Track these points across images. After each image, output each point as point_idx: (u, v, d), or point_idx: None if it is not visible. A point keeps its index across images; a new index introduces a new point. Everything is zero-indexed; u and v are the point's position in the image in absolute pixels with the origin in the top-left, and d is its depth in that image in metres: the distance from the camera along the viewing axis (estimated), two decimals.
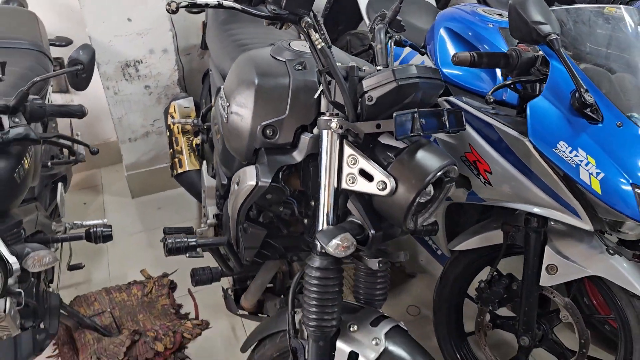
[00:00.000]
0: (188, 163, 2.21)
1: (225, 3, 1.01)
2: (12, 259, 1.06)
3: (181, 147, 2.23)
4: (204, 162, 1.98)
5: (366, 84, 1.08)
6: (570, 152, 1.25)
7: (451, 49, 1.75)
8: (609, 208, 1.25)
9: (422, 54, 1.77)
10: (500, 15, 1.76)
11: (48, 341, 1.65)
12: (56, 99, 2.69)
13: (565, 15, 1.34)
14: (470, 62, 1.34)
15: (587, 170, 1.24)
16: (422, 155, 1.09)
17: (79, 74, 1.31)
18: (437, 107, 1.12)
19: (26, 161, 1.33)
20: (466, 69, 1.69)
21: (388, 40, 1.35)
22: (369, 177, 1.09)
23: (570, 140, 1.25)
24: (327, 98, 1.14)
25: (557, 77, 1.29)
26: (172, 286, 2.25)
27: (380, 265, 1.16)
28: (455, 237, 1.76)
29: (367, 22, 2.25)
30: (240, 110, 1.32)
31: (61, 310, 1.87)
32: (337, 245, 1.06)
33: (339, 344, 1.20)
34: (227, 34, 1.99)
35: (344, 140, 1.13)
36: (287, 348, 1.31)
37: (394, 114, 1.02)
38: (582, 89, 1.21)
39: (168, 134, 2.30)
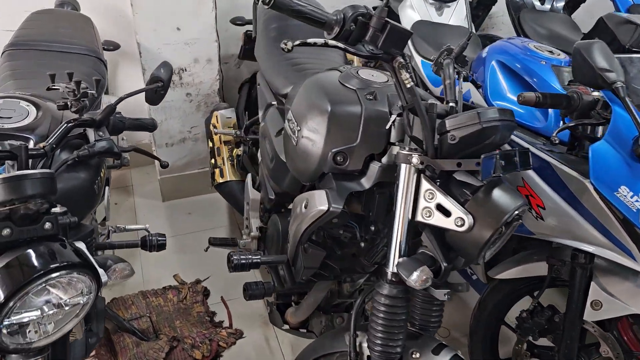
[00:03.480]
0: (229, 173, 2.25)
1: (329, 42, 1.06)
2: (101, 271, 1.10)
3: (223, 158, 2.27)
4: (249, 175, 2.02)
5: (450, 123, 1.12)
6: (632, 197, 1.30)
7: (503, 83, 1.80)
8: None
9: (478, 87, 1.82)
10: (551, 52, 1.81)
11: (97, 344, 1.69)
12: None
13: (629, 64, 1.39)
14: (535, 102, 1.39)
15: None
16: (498, 194, 1.13)
17: (158, 90, 1.35)
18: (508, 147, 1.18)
19: (103, 171, 1.36)
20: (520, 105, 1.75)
21: (457, 76, 1.40)
22: (446, 213, 1.14)
23: (632, 185, 1.30)
24: (407, 133, 1.18)
25: (620, 123, 1.33)
26: (206, 293, 2.29)
27: (448, 297, 1.20)
28: (491, 264, 1.81)
29: (411, 45, 2.30)
30: (312, 135, 1.36)
31: None
32: (418, 277, 1.10)
33: None
34: (279, 52, 2.03)
35: (422, 175, 1.17)
36: None
37: (482, 156, 1.07)
38: None
39: (210, 143, 2.34)
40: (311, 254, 1.45)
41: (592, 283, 1.54)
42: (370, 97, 1.36)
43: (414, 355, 1.25)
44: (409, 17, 2.41)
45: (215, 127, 2.32)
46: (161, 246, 1.67)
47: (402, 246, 1.20)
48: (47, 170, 1.00)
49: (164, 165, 1.53)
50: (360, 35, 1.07)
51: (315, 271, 1.48)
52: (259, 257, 1.45)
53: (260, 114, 2.06)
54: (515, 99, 1.76)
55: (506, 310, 1.82)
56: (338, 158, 1.33)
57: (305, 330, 1.75)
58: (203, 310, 2.17)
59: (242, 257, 1.43)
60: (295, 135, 1.42)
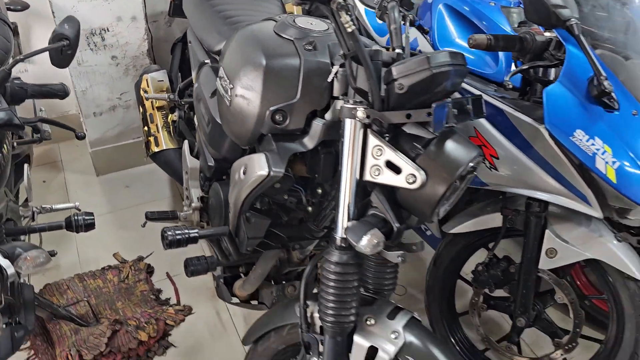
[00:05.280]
0: (165, 141, 2.08)
1: None
2: (5, 263, 0.95)
3: (157, 125, 2.09)
4: (185, 142, 1.87)
5: (397, 71, 1.01)
6: (587, 140, 1.24)
7: (451, 27, 1.70)
8: (621, 196, 1.26)
9: (426, 33, 1.71)
10: None
11: (27, 337, 1.54)
12: None
13: (583, 0, 1.31)
14: (487, 45, 1.30)
15: (603, 159, 1.23)
16: (451, 146, 1.04)
17: (64, 50, 1.17)
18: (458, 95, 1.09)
19: (4, 147, 1.19)
20: (469, 51, 1.65)
21: (402, 20, 1.28)
22: (396, 169, 1.04)
23: (587, 128, 1.24)
24: (351, 85, 1.06)
25: (574, 64, 1.26)
26: (150, 270, 2.15)
27: (403, 259, 1.12)
28: (445, 218, 1.75)
29: None
30: (247, 94, 1.23)
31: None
32: (369, 242, 1.01)
33: (357, 338, 1.16)
34: (209, 4, 1.85)
35: (369, 130, 1.07)
36: (295, 341, 1.27)
37: (434, 105, 0.96)
38: (601, 76, 1.20)
39: (141, 110, 2.15)
40: (254, 223, 1.33)
41: (547, 231, 1.51)
42: (310, 48, 1.24)
43: (368, 322, 1.17)
44: None
45: (146, 91, 2.13)
46: (89, 226, 1.52)
47: (350, 209, 1.10)
48: None
49: (79, 137, 1.36)
50: None
51: (260, 241, 1.37)
52: (197, 230, 1.33)
53: (194, 74, 1.89)
54: (464, 44, 1.68)
55: (462, 264, 1.79)
56: (277, 117, 1.21)
57: (256, 303, 1.65)
58: (147, 289, 2.04)
59: (177, 232, 1.30)
60: (228, 94, 1.28)
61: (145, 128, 2.11)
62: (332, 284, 1.12)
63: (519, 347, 1.74)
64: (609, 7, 1.31)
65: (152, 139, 2.08)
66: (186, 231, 1.31)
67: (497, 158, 1.44)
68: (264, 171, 1.18)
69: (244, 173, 1.25)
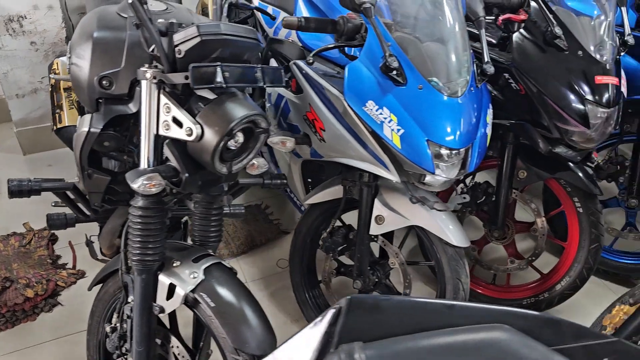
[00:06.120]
0: (68, 118, 2.25)
1: None
2: None
3: (62, 103, 2.27)
4: (79, 117, 2.04)
5: (176, 38, 1.18)
6: (377, 110, 1.40)
7: None
8: (409, 161, 1.42)
9: (273, 19, 1.89)
10: None
11: None
12: None
13: None
14: (297, 26, 1.46)
15: (390, 127, 1.40)
16: (228, 105, 1.20)
17: None
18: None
19: None
20: (318, 37, 1.83)
21: (224, 2, 1.46)
22: (180, 124, 1.21)
23: (377, 99, 1.40)
24: (146, 51, 1.23)
25: (372, 43, 1.43)
26: (53, 238, 2.31)
27: (195, 205, 1.29)
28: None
29: None
30: (79, 62, 1.40)
31: None
32: (144, 183, 1.16)
33: (161, 276, 1.31)
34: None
35: (160, 90, 1.23)
36: None
37: (190, 66, 1.13)
38: (387, 54, 1.36)
39: (50, 89, 2.33)
40: (95, 180, 1.50)
41: (376, 200, 1.67)
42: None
43: (174, 264, 1.32)
44: None
45: (55, 73, 2.31)
46: None
47: (149, 161, 1.26)
48: None
49: None
50: None
51: (102, 196, 1.53)
52: (39, 182, 1.49)
53: None
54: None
55: (319, 234, 1.93)
56: (104, 82, 1.37)
57: None
58: (46, 254, 2.20)
59: (21, 182, 1.47)
60: (68, 64, 1.45)
61: (52, 106, 2.29)
62: (136, 226, 1.28)
63: None
64: None
65: (57, 115, 2.26)
66: (29, 182, 1.48)
67: (325, 130, 1.60)
68: (85, 128, 1.35)
69: (77, 131, 1.42)
